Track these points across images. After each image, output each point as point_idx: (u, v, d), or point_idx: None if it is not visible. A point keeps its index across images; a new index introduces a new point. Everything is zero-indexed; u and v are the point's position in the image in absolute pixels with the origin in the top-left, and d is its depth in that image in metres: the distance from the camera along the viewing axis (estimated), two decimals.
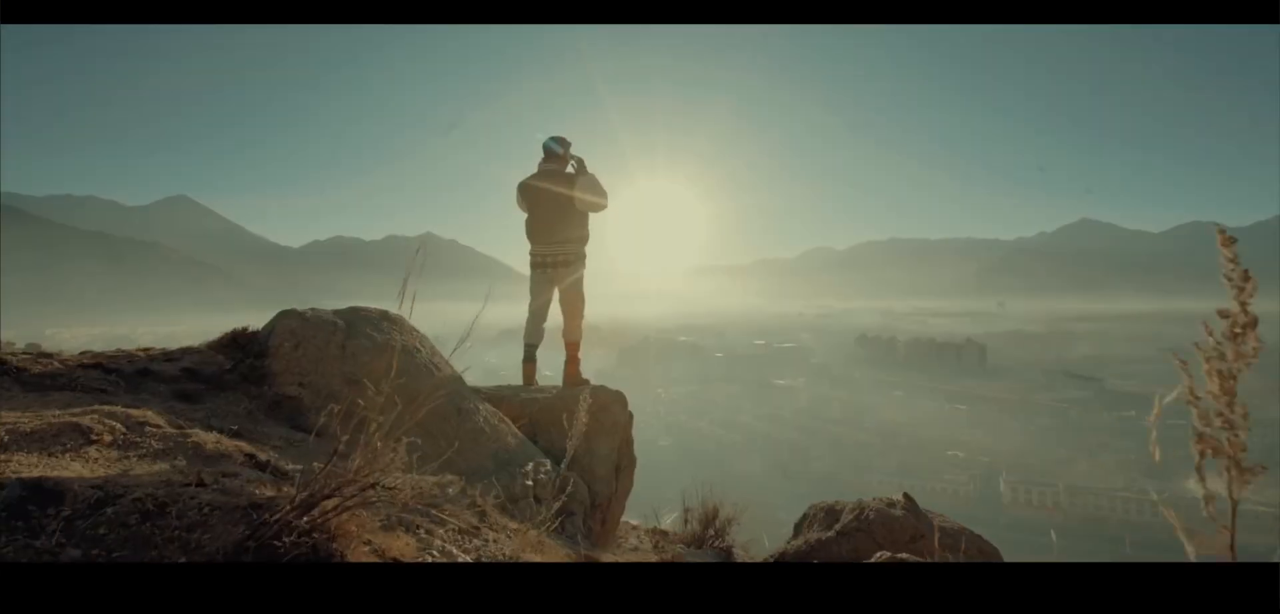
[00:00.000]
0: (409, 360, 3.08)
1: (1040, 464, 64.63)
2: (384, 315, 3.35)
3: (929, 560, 1.92)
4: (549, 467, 2.69)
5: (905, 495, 3.29)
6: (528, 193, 4.49)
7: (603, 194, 4.50)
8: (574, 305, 4.52)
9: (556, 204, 4.42)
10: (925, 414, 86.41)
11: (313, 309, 3.24)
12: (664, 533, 3.82)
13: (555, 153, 4.55)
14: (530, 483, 2.49)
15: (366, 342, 3.05)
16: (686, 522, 3.68)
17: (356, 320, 3.20)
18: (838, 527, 3.11)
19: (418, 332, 3.42)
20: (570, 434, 2.48)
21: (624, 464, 3.87)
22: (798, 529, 3.43)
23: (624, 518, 3.97)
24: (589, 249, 4.64)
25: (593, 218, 4.67)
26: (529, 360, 4.50)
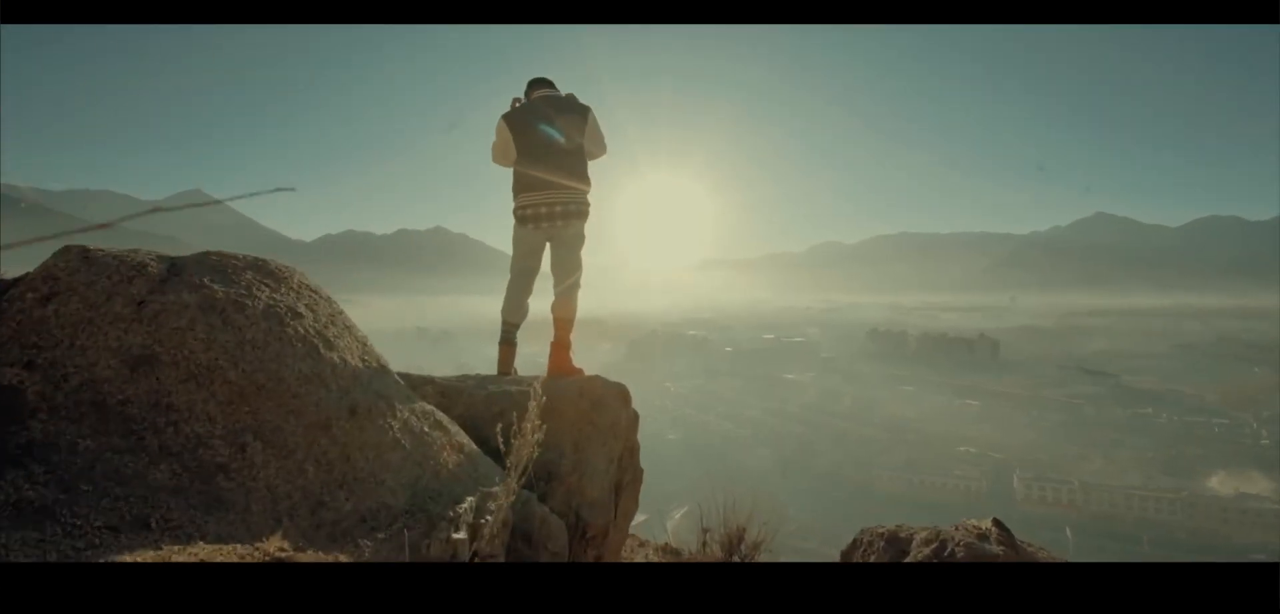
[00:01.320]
0: (270, 332, 1.92)
1: (1054, 461, 63.70)
2: (256, 265, 2.27)
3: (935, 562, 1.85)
4: (504, 494, 1.80)
5: (996, 522, 2.50)
6: (519, 127, 3.45)
7: (604, 143, 3.76)
8: (570, 267, 3.53)
9: (560, 140, 3.49)
10: (935, 409, 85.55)
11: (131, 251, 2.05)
12: (676, 553, 3.30)
13: (549, 84, 3.68)
14: (458, 536, 1.62)
15: (190, 299, 1.85)
16: (705, 543, 3.12)
17: (190, 266, 2.07)
18: (910, 561, 2.39)
19: (317, 294, 2.39)
20: (522, 431, 1.84)
21: (627, 480, 2.96)
22: (846, 560, 2.77)
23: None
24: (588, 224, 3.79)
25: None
26: (507, 342, 3.61)
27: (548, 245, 3.55)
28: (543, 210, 3.44)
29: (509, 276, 3.61)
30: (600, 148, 3.62)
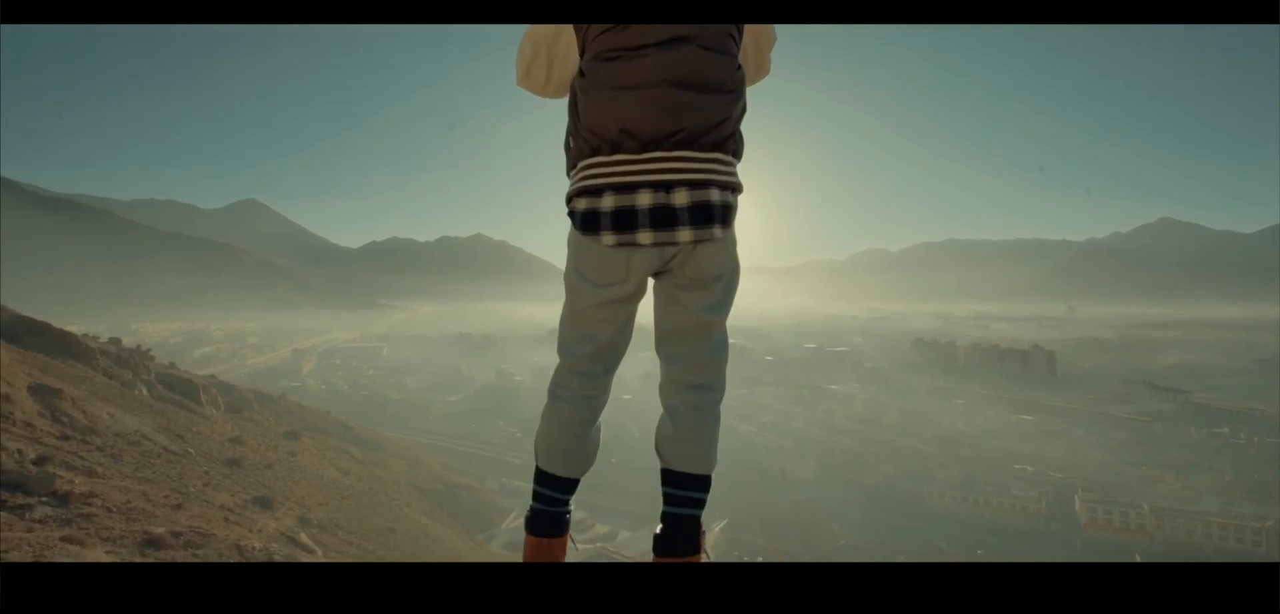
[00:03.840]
0: None
1: (1121, 483, 59.60)
2: None
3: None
4: None
5: None
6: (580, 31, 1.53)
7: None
8: (711, 343, 1.66)
9: (682, 41, 1.50)
10: (989, 424, 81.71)
11: None
12: None
13: None
14: None
15: None
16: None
17: None
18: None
19: None
20: None
21: None
22: None
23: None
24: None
25: None
26: (556, 512, 1.65)
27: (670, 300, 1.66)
28: (649, 201, 1.55)
29: (563, 329, 1.69)
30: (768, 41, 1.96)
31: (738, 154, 1.52)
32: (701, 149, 1.44)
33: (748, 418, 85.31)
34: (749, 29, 1.56)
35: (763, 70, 1.70)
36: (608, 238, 1.46)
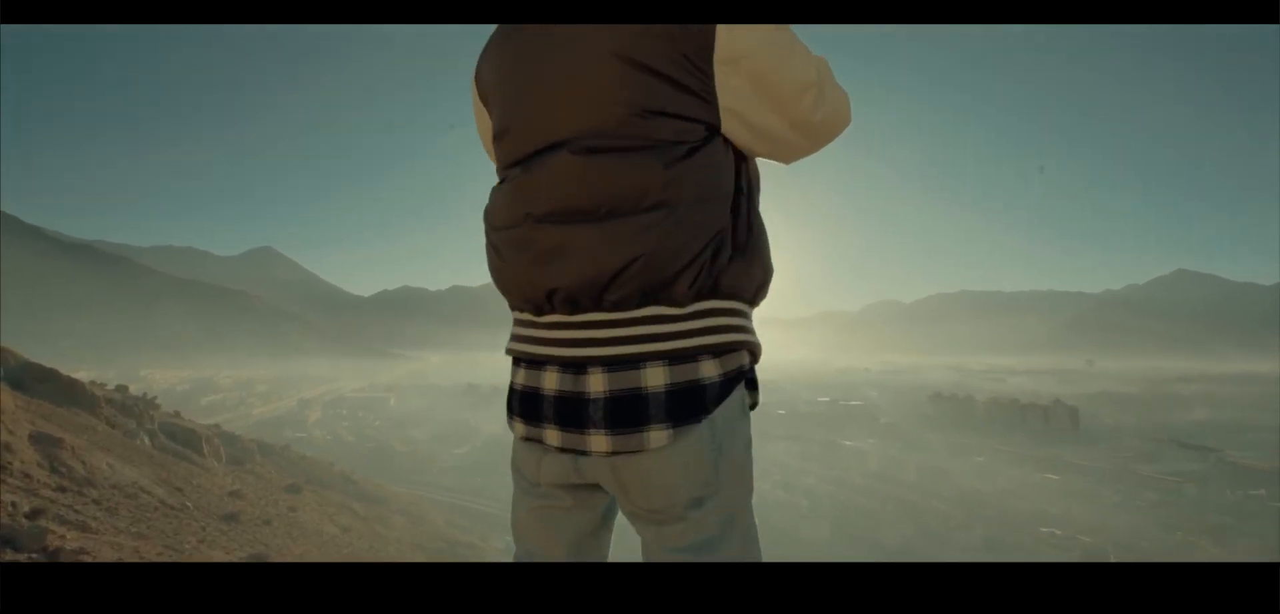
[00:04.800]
0: None
1: (1154, 547, 56.79)
2: None
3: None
4: None
5: None
6: (505, 85, 1.03)
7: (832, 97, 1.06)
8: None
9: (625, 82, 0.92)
10: (1012, 483, 79.07)
11: None
12: None
13: None
14: None
15: None
16: None
17: None
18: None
19: None
20: None
21: None
22: None
23: None
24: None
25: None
26: None
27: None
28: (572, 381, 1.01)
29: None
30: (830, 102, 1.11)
31: (730, 292, 0.95)
32: (628, 307, 0.91)
33: (759, 475, 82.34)
34: (731, 69, 0.91)
35: (804, 128, 0.99)
36: (517, 426, 1.05)
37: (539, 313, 0.98)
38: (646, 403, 0.89)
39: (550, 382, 0.96)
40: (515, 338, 1.05)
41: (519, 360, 1.04)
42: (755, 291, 0.99)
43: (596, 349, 0.92)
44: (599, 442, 0.91)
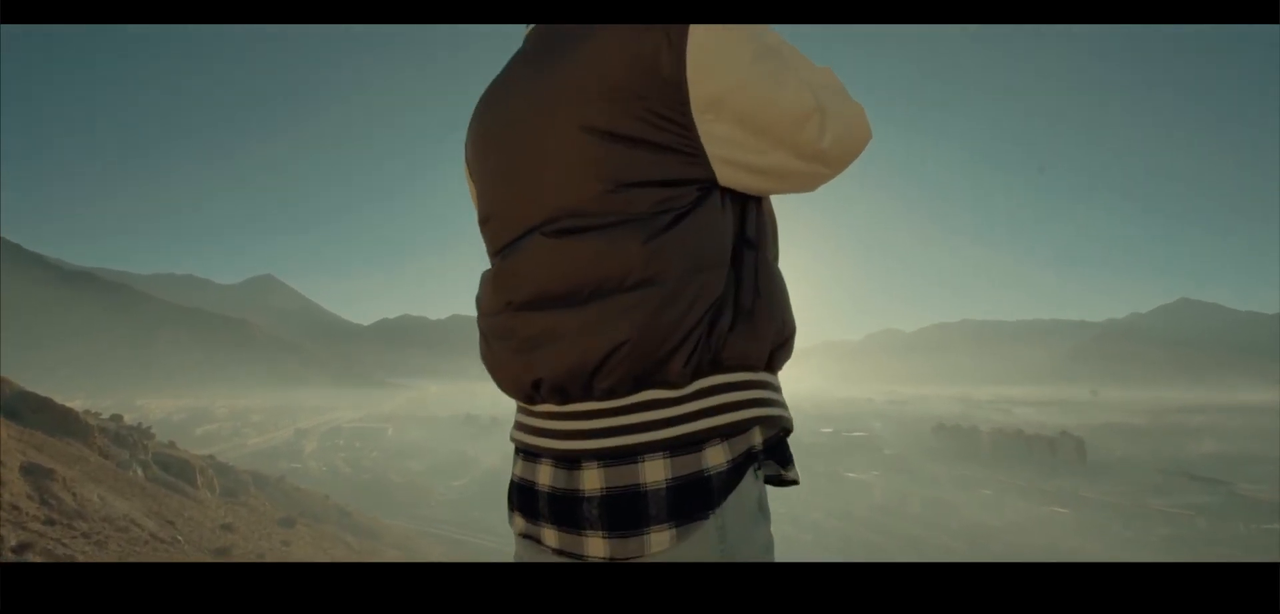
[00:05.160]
0: None
1: None
2: None
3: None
4: None
5: None
6: (483, 164, 0.97)
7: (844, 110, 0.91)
8: None
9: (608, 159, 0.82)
10: (1020, 517, 77.61)
11: None
12: None
13: None
14: None
15: None
16: None
17: None
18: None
19: None
20: None
21: None
22: None
23: None
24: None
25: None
26: None
27: None
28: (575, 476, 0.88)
29: None
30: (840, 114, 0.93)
31: (737, 362, 0.84)
32: (621, 395, 0.82)
33: None
34: (713, 116, 0.81)
35: (816, 158, 0.86)
36: (516, 521, 0.95)
37: (531, 402, 0.91)
38: (646, 501, 0.79)
39: (545, 476, 0.88)
40: (516, 425, 0.98)
41: (518, 450, 0.97)
42: (771, 355, 0.87)
43: (590, 442, 0.83)
44: (596, 545, 0.81)
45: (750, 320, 0.84)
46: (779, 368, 0.90)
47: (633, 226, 0.79)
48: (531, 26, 0.97)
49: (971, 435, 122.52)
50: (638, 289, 0.79)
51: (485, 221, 0.96)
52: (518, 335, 0.87)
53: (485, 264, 0.98)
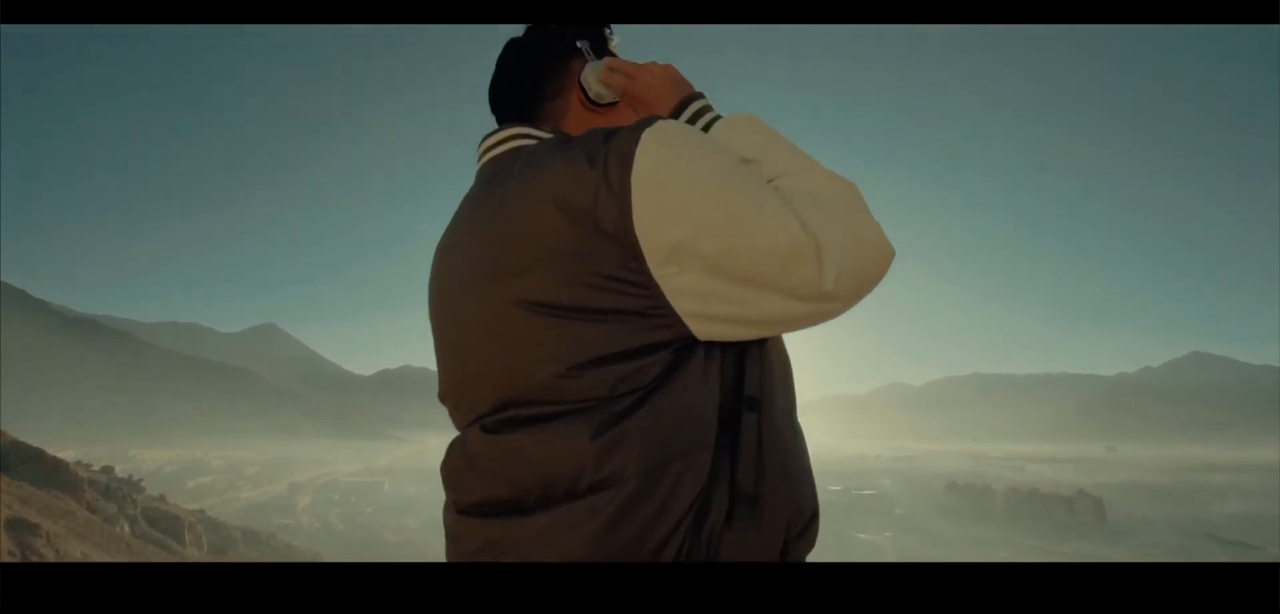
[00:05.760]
0: None
1: None
2: None
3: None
4: None
5: None
6: (436, 334, 0.86)
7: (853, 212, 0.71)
8: None
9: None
10: None
11: None
12: None
13: (598, 94, 0.89)
14: None
15: None
16: None
17: None
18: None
19: None
20: None
21: None
22: None
23: None
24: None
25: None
26: None
27: None
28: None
29: None
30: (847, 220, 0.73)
31: (742, 559, 0.69)
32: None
33: None
34: (676, 268, 0.67)
35: (818, 298, 0.68)
36: None
37: None
38: None
39: None
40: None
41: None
42: (786, 544, 0.70)
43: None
44: None
45: (753, 508, 0.68)
46: (800, 558, 0.72)
47: (582, 417, 0.66)
48: (487, 143, 0.86)
49: (985, 494, 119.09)
50: (589, 495, 0.65)
51: (442, 399, 0.84)
52: (460, 544, 0.74)
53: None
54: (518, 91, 0.89)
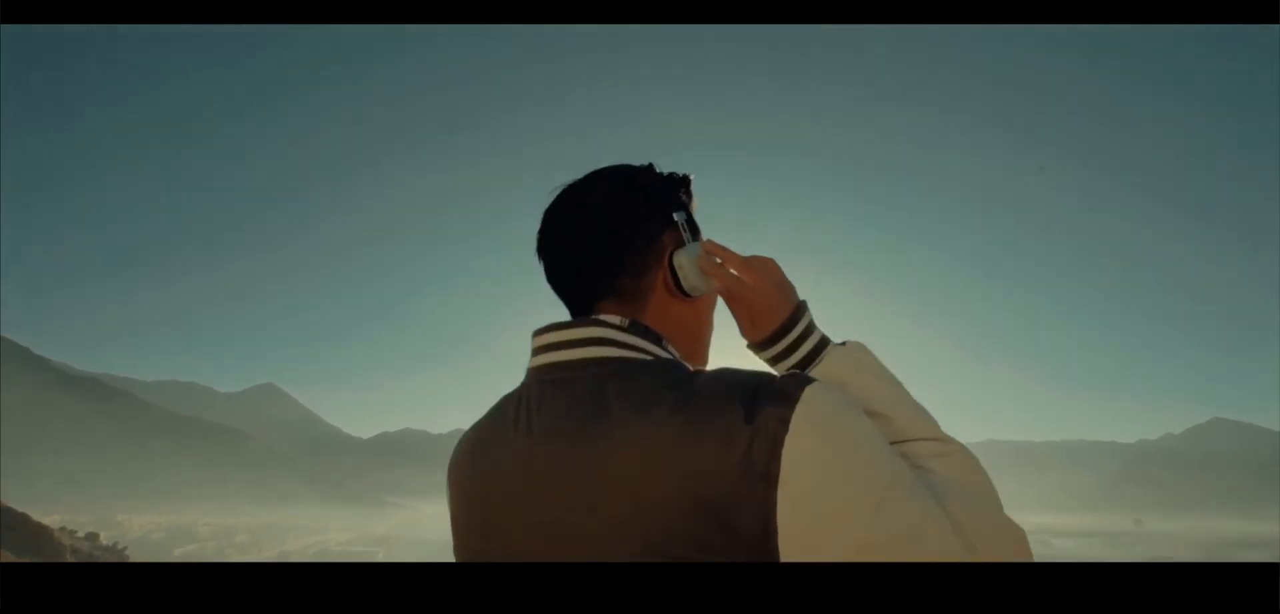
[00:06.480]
0: None
1: None
2: None
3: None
4: None
5: None
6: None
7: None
8: None
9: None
10: None
11: None
12: None
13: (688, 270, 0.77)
14: None
15: None
16: None
17: None
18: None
19: None
20: None
21: None
22: None
23: None
24: None
25: None
26: None
27: None
28: None
29: None
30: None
31: None
32: None
33: None
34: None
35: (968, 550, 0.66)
36: None
37: None
38: None
39: None
40: None
41: None
42: None
43: None
44: None
45: None
46: None
47: None
48: (556, 338, 0.73)
49: None
50: None
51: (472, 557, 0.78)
52: None
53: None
54: (590, 261, 0.75)
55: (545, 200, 0.77)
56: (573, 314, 0.77)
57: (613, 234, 0.73)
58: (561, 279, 0.77)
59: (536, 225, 0.77)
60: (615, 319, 0.70)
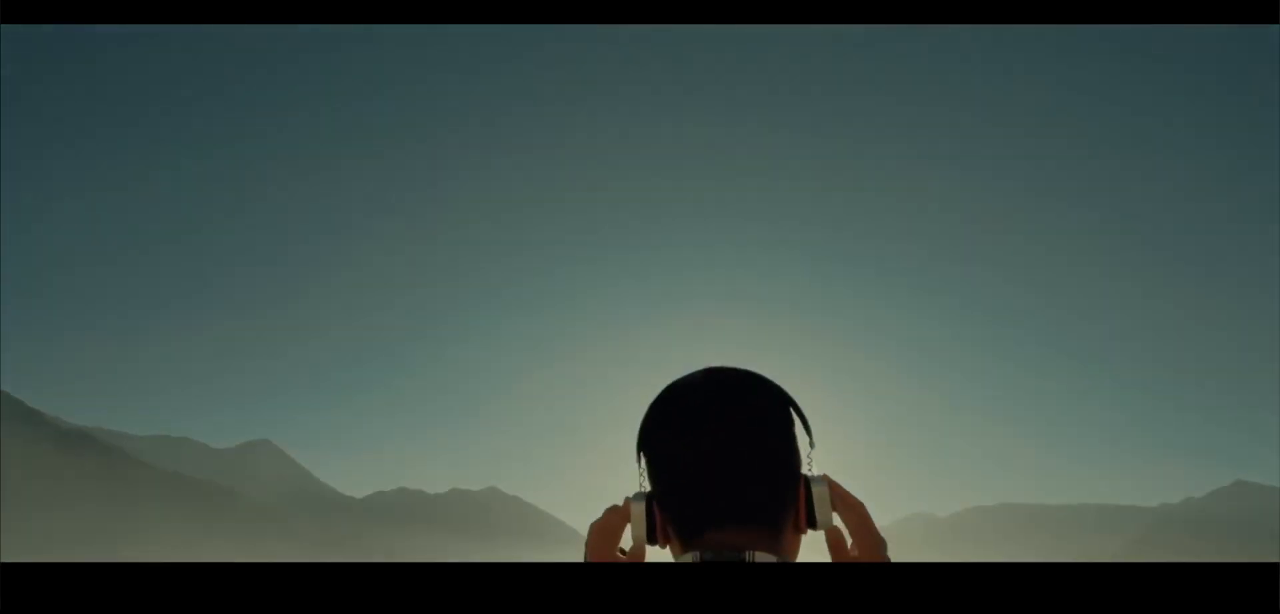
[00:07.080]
0: None
1: None
2: None
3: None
4: None
5: None
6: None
7: None
8: None
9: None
10: None
11: None
12: None
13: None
14: None
15: None
16: None
17: None
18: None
19: None
20: None
21: None
22: None
23: None
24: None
25: None
26: None
27: None
28: None
29: None
30: None
31: None
32: None
33: None
34: None
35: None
36: None
37: None
38: None
39: None
40: None
41: None
42: None
43: None
44: None
45: None
46: None
47: None
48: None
49: None
50: None
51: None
52: None
53: None
54: (755, 499, 0.72)
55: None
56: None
57: (779, 477, 0.73)
58: (716, 514, 0.73)
59: None
60: (776, 558, 0.71)
